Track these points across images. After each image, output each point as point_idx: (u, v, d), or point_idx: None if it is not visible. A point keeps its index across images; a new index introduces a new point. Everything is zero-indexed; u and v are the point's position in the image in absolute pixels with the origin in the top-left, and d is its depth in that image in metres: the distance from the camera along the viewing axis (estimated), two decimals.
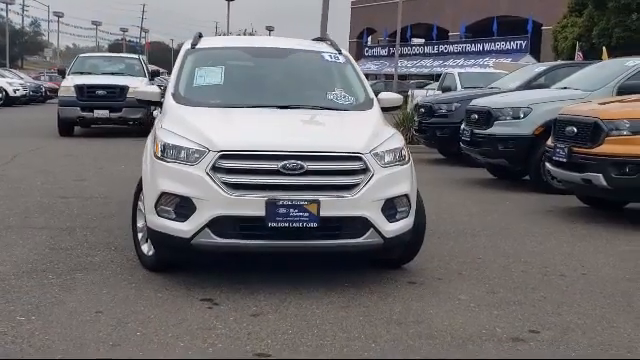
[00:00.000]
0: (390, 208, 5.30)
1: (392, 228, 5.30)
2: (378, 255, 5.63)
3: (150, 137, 5.78)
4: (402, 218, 5.41)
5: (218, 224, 5.03)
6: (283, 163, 5.02)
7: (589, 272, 6.10)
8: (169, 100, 6.05)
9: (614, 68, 11.47)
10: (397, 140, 5.60)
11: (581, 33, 25.08)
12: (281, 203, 4.98)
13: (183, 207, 5.13)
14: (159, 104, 6.33)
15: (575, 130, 8.49)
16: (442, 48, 57.85)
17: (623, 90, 10.52)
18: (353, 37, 71.29)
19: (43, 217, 7.70)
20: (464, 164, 13.67)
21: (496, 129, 10.98)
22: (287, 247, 5.17)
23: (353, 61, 6.86)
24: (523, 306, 5.09)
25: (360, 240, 5.20)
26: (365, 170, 5.18)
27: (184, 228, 5.10)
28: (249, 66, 6.66)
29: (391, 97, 6.60)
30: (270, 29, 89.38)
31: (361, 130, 5.56)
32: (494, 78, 20.15)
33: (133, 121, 18.59)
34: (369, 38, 68.03)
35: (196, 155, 5.14)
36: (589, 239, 7.46)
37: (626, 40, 20.78)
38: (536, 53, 51.08)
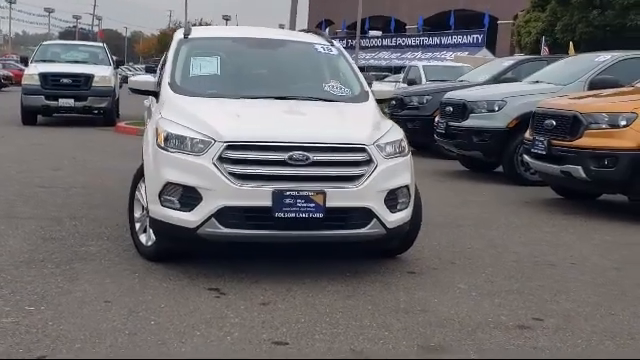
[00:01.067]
0: (392, 199, 5.39)
1: (394, 218, 5.39)
2: (378, 245, 5.71)
3: (150, 127, 5.75)
4: (403, 209, 5.50)
5: (224, 214, 5.05)
6: (289, 154, 5.06)
7: (578, 262, 6.27)
8: (166, 90, 6.02)
9: (584, 63, 11.74)
10: (397, 132, 5.68)
11: (544, 28, 25.53)
12: (288, 194, 5.02)
13: (188, 197, 5.13)
14: (153, 94, 6.29)
15: (554, 123, 8.68)
16: (400, 41, 58.26)
17: (594, 84, 10.78)
18: (311, 28, 71.27)
19: (28, 207, 7.60)
20: (435, 156, 13.84)
21: (471, 122, 11.16)
22: (293, 237, 5.22)
23: (345, 53, 6.91)
24: (522, 295, 5.22)
25: (364, 230, 5.27)
26: (369, 161, 5.25)
27: (190, 218, 5.11)
28: (244, 57, 6.65)
29: (383, 89, 6.69)
30: (227, 18, 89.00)
31: (363, 122, 5.63)
32: (458, 71, 20.48)
33: (98, 110, 18.36)
34: (327, 30, 68.05)
35: (201, 145, 5.15)
36: (571, 230, 7.66)
37: (589, 35, 21.23)
38: (492, 47, 51.76)
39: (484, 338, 4.33)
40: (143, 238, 5.77)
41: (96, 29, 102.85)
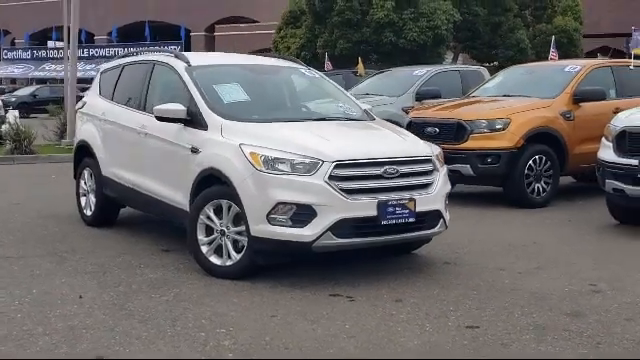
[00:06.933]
0: (445, 201, 6.32)
1: (448, 218, 6.35)
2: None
3: (224, 152, 5.94)
4: (448, 210, 6.46)
5: (339, 226, 5.61)
6: (384, 168, 5.80)
7: (559, 241, 7.57)
8: (213, 117, 6.25)
9: (405, 77, 13.55)
10: (434, 145, 6.62)
11: (303, 44, 27.41)
12: (389, 203, 5.75)
13: (301, 214, 5.59)
14: (184, 121, 6.44)
15: (437, 130, 10.10)
16: (92, 52, 56.98)
17: (420, 95, 12.57)
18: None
19: (16, 247, 7.16)
20: None
21: None
22: (390, 241, 5.98)
23: (324, 75, 7.62)
24: (555, 270, 6.39)
25: (435, 229, 6.18)
26: (434, 170, 6.15)
27: (305, 233, 5.59)
28: (256, 82, 6.99)
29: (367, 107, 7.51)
30: None
31: (412, 137, 6.50)
32: None
33: None
34: (4, 39, 64.01)
35: (301, 166, 5.64)
36: (506, 219, 8.98)
37: (349, 51, 23.42)
38: None
39: (583, 303, 5.41)
40: (216, 260, 6.02)
41: None
